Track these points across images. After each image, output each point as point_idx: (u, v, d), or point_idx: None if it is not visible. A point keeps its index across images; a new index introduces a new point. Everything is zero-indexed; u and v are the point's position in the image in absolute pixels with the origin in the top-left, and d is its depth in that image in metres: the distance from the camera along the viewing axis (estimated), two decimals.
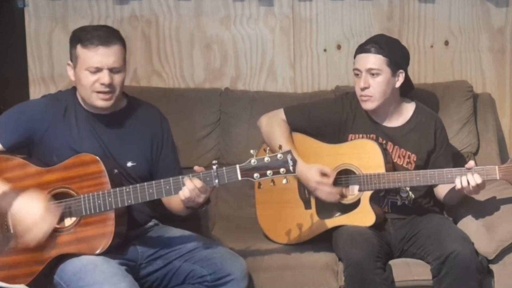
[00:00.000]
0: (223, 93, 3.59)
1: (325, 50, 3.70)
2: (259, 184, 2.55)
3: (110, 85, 2.66)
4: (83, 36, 2.66)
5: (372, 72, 2.97)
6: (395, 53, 3.01)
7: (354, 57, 3.05)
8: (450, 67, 3.70)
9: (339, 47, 3.69)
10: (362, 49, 3.02)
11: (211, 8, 3.66)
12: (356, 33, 3.67)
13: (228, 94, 3.59)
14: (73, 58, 2.70)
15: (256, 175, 2.51)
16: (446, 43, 3.69)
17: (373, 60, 2.97)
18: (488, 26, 3.66)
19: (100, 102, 2.68)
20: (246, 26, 3.68)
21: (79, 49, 2.66)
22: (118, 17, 3.66)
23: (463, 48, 3.68)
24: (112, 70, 2.66)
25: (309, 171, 2.93)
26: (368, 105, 3.01)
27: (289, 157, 2.50)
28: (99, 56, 2.64)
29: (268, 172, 2.50)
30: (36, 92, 3.69)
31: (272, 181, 2.53)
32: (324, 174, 2.93)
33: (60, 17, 3.66)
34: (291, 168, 2.49)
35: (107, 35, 2.67)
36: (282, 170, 2.50)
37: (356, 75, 3.02)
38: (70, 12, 3.65)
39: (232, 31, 3.68)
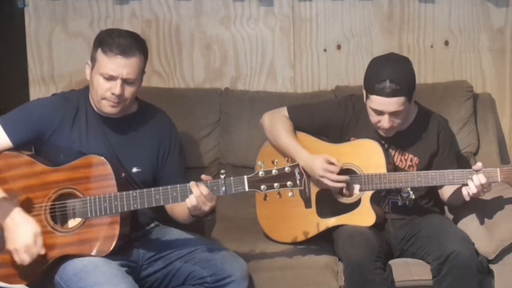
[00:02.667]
0: (223, 93, 3.59)
1: (325, 50, 3.69)
2: (266, 196, 2.57)
3: (120, 96, 2.66)
4: (105, 41, 2.66)
5: (395, 114, 2.90)
6: (410, 84, 2.91)
7: (368, 91, 2.92)
8: (450, 67, 3.69)
9: (339, 47, 3.69)
10: (380, 91, 2.86)
11: (211, 8, 3.66)
12: (356, 33, 3.67)
13: (228, 94, 3.58)
14: (92, 59, 2.70)
15: (263, 187, 2.53)
16: (446, 43, 3.69)
17: (396, 104, 2.86)
18: (488, 26, 3.66)
19: (107, 108, 2.69)
20: (246, 26, 3.67)
21: (99, 52, 2.66)
22: (118, 17, 3.65)
23: (463, 48, 3.68)
24: (125, 81, 2.66)
25: (316, 160, 2.93)
26: (389, 134, 2.99)
27: (296, 170, 2.52)
28: (116, 66, 2.64)
29: (275, 184, 2.53)
30: (36, 92, 3.69)
31: (278, 193, 2.56)
32: (330, 163, 2.93)
33: (60, 17, 3.65)
34: (298, 181, 2.52)
35: (129, 45, 2.66)
36: (289, 183, 2.52)
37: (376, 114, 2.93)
38: (70, 12, 3.65)
39: (232, 31, 3.68)
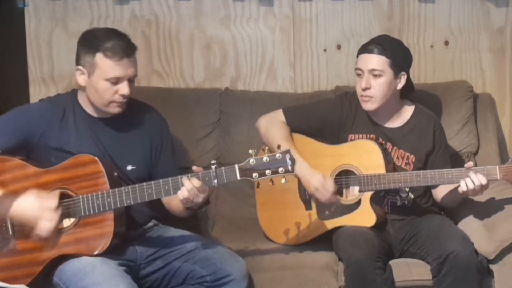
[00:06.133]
0: (223, 93, 3.59)
1: (325, 50, 3.70)
2: (258, 184, 2.56)
3: (128, 96, 2.68)
4: (102, 45, 2.63)
5: (374, 73, 2.95)
6: (398, 55, 2.99)
7: (357, 56, 3.04)
8: (450, 67, 3.69)
9: (339, 47, 3.69)
10: (365, 49, 3.00)
11: (211, 8, 3.66)
12: (356, 33, 3.67)
13: (228, 94, 3.58)
14: (88, 64, 2.66)
15: (255, 174, 2.51)
16: (446, 43, 3.69)
17: (376, 60, 2.96)
18: (488, 26, 3.66)
19: (115, 109, 2.70)
20: (246, 26, 3.68)
21: (100, 58, 2.63)
22: (118, 17, 3.66)
23: (463, 48, 3.68)
24: (130, 80, 2.68)
25: (315, 175, 2.93)
26: (369, 106, 3.00)
27: (287, 156, 2.50)
28: (123, 68, 2.64)
29: (267, 171, 2.51)
30: (36, 92, 3.69)
31: (271, 180, 2.54)
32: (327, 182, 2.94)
33: (60, 17, 3.66)
34: (289, 167, 2.50)
35: (128, 44, 2.67)
36: (281, 169, 2.50)
37: (358, 75, 3.00)
38: (70, 12, 3.65)
39: (232, 31, 3.68)
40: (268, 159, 2.51)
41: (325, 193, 2.94)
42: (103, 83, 2.65)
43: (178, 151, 3.03)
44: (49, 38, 3.68)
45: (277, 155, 2.51)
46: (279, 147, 2.55)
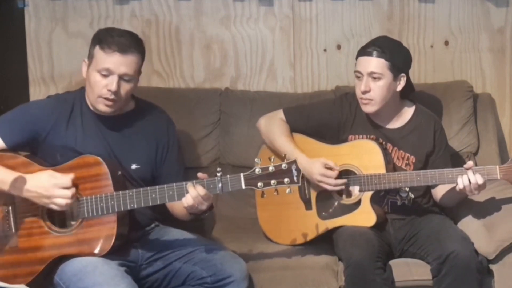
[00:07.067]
0: (223, 93, 3.59)
1: (325, 50, 3.70)
2: (263, 193, 2.56)
3: (116, 93, 2.66)
4: (104, 38, 2.66)
5: (373, 76, 2.95)
6: (397, 57, 2.98)
7: (356, 58, 3.03)
8: (450, 67, 3.69)
9: (339, 47, 3.69)
10: (364, 51, 2.99)
11: (211, 8, 3.67)
12: (356, 33, 3.67)
13: (228, 94, 3.59)
14: (89, 56, 2.70)
15: (260, 184, 2.52)
16: (446, 43, 3.69)
17: (375, 64, 2.95)
18: (488, 26, 3.66)
19: (102, 106, 2.69)
20: (246, 26, 3.68)
21: (97, 49, 2.66)
22: (118, 17, 3.66)
23: (463, 48, 3.68)
24: (122, 78, 2.66)
25: (313, 164, 2.93)
26: (368, 109, 3.00)
27: (293, 167, 2.51)
28: (113, 62, 2.64)
29: (272, 181, 2.51)
30: (36, 92, 3.69)
31: (276, 190, 2.55)
32: (328, 167, 2.94)
33: (60, 17, 3.66)
34: (295, 178, 2.51)
35: (128, 43, 2.66)
36: (286, 180, 2.51)
37: (357, 77, 3.00)
38: (70, 12, 3.65)
39: (232, 31, 3.68)
40: (273, 169, 2.52)
41: (328, 181, 2.93)
42: (94, 74, 2.66)
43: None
44: (49, 38, 3.68)
45: (283, 165, 2.52)
46: (285, 156, 2.56)
